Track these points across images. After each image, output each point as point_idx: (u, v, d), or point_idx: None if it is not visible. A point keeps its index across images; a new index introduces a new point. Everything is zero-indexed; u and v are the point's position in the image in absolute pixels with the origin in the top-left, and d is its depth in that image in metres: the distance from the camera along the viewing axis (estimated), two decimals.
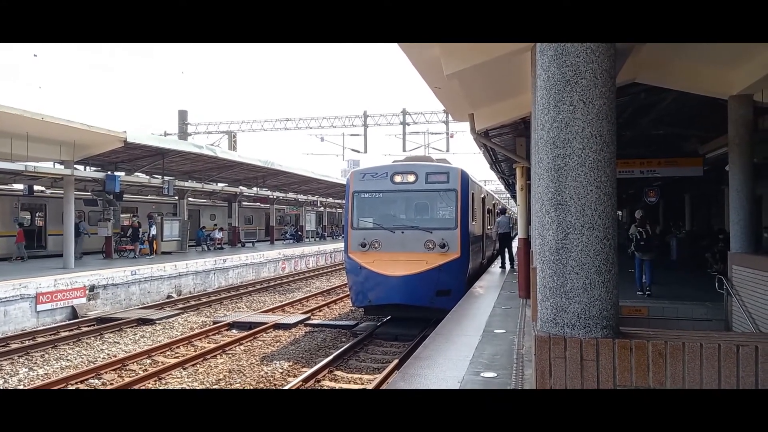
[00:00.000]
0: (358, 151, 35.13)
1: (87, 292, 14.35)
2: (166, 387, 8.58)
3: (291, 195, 33.42)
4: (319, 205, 38.37)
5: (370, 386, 8.18)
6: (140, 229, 21.64)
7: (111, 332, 12.28)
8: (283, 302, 16.41)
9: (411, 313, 11.57)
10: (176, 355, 10.45)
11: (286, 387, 8.17)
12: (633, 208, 14.48)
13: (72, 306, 13.92)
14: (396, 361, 9.11)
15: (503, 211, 17.15)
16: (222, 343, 10.98)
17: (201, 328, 12.82)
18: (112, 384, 8.63)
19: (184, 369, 9.37)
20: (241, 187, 27.77)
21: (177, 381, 8.84)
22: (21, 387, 8.63)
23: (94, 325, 13.01)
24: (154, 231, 22.14)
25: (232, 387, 8.55)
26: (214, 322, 13.17)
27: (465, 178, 12.30)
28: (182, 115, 38.25)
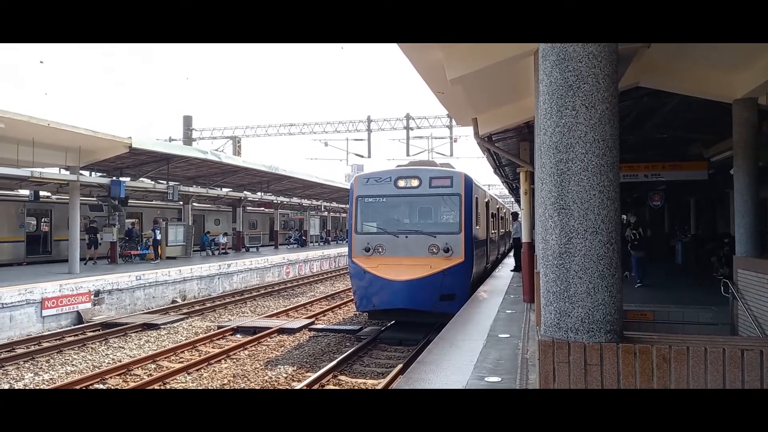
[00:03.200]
0: (362, 156, 35.15)
1: (92, 297, 14.39)
2: None
3: (295, 200, 33.49)
4: (323, 209, 38.40)
5: None
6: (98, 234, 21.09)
7: (116, 337, 12.31)
8: (288, 307, 16.40)
9: (415, 317, 11.55)
10: (181, 360, 10.47)
11: None
12: (637, 212, 14.66)
13: (77, 311, 13.96)
14: (400, 366, 9.10)
15: (516, 216, 17.23)
16: (226, 347, 10.99)
17: (205, 332, 12.83)
18: (116, 389, 8.65)
19: (188, 374, 9.38)
20: (245, 192, 27.84)
21: (181, 386, 8.85)
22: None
23: (99, 330, 13.05)
24: (159, 236, 22.23)
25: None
26: (219, 327, 13.19)
27: (468, 183, 12.30)
28: (187, 121, 38.41)
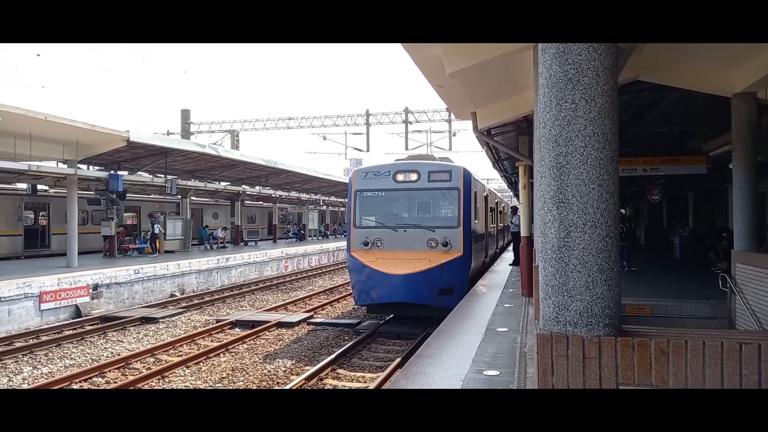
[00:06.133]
0: (361, 150, 35.12)
1: (90, 290, 14.39)
2: (169, 385, 8.61)
3: (294, 194, 33.46)
4: (321, 203, 38.39)
5: (373, 384, 8.19)
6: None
7: (114, 331, 12.33)
8: (286, 301, 16.43)
9: (413, 311, 11.57)
10: (179, 353, 10.48)
11: (289, 385, 8.18)
12: (636, 206, 14.84)
13: (76, 305, 13.97)
14: (398, 360, 9.12)
15: (515, 210, 17.26)
16: (225, 341, 11.00)
17: (204, 326, 12.85)
18: (115, 382, 8.66)
19: (187, 367, 9.40)
20: (243, 186, 27.80)
21: (180, 379, 8.86)
22: (25, 385, 8.66)
23: (97, 323, 13.06)
24: (157, 230, 22.18)
25: (235, 385, 8.57)
26: (217, 321, 13.20)
27: (467, 177, 12.29)
28: (185, 114, 38.27)
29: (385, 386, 7.69)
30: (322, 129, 34.91)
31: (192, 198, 26.36)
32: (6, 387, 8.61)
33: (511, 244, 16.75)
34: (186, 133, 37.12)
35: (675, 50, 7.30)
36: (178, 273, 18.03)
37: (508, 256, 18.87)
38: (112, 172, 18.99)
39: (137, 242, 22.13)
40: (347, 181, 14.72)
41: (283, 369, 9.28)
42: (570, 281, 2.67)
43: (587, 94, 2.65)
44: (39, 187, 21.03)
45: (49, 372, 9.29)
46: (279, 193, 31.35)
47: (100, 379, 8.85)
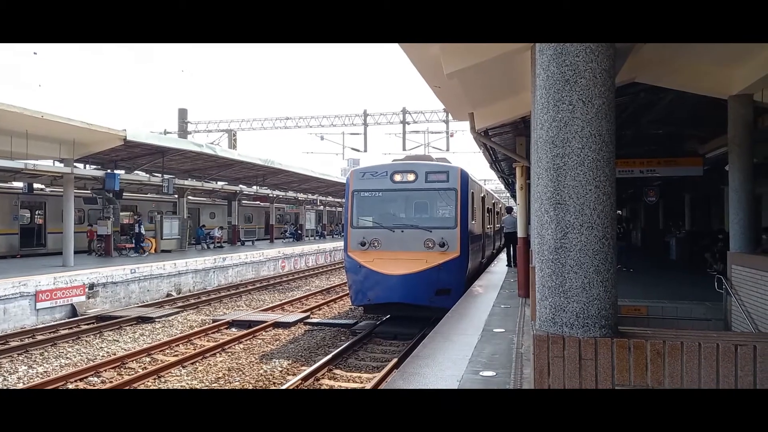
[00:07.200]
0: (358, 150, 35.14)
1: (86, 290, 14.35)
2: (165, 385, 8.59)
3: (291, 194, 33.43)
4: (318, 203, 38.38)
5: (369, 385, 8.19)
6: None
7: (110, 330, 12.29)
8: (283, 301, 16.41)
9: (410, 312, 11.57)
10: (176, 353, 10.46)
11: (285, 386, 8.18)
12: (633, 208, 14.95)
13: (71, 304, 13.92)
14: (395, 360, 9.12)
15: (509, 210, 17.24)
16: (221, 341, 10.98)
17: (200, 326, 12.82)
18: (111, 382, 8.63)
19: (183, 367, 9.37)
20: (240, 186, 27.75)
21: (176, 379, 8.84)
22: (20, 384, 8.63)
23: (93, 323, 13.01)
24: (143, 230, 21.97)
25: (232, 385, 8.56)
26: (214, 321, 13.17)
27: (465, 177, 12.30)
28: (182, 114, 38.19)
29: (382, 387, 7.69)
30: (319, 129, 34.95)
31: (189, 197, 26.31)
32: (1, 387, 8.58)
33: (510, 244, 16.64)
34: (183, 133, 37.05)
35: (672, 52, 7.33)
36: (175, 272, 17.99)
37: (506, 256, 18.86)
38: (108, 171, 18.93)
39: (133, 241, 22.05)
40: (344, 182, 14.71)
41: (280, 369, 9.27)
42: (567, 282, 2.67)
43: (584, 95, 2.65)
44: (35, 185, 20.94)
45: (45, 371, 9.26)
46: (276, 192, 31.33)
47: (95, 379, 8.82)
